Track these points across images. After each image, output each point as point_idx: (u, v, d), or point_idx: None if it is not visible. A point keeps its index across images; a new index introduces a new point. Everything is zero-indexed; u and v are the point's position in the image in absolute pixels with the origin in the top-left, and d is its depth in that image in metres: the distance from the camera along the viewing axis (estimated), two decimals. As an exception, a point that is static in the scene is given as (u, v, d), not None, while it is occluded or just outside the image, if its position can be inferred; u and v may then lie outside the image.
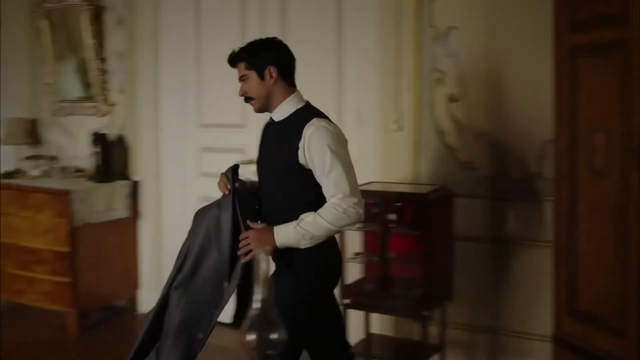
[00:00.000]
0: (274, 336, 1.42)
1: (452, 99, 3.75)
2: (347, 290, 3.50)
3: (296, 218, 2.50)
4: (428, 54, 3.80)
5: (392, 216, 3.39)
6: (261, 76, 2.62)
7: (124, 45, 5.03)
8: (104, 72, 5.15)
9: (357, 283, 3.60)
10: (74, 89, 5.45)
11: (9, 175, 5.20)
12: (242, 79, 2.67)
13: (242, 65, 2.65)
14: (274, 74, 2.62)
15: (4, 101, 5.80)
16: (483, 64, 3.68)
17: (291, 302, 2.42)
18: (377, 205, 3.41)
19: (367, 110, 4.02)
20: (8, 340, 4.54)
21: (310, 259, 2.56)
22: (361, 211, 2.52)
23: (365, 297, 3.48)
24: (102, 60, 5.14)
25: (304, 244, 2.50)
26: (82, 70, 5.34)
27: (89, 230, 4.64)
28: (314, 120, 2.55)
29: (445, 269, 3.55)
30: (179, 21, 4.81)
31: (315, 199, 2.54)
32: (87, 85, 5.34)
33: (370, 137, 4.01)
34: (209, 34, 4.69)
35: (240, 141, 4.57)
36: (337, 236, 2.77)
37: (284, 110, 2.66)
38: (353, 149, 4.00)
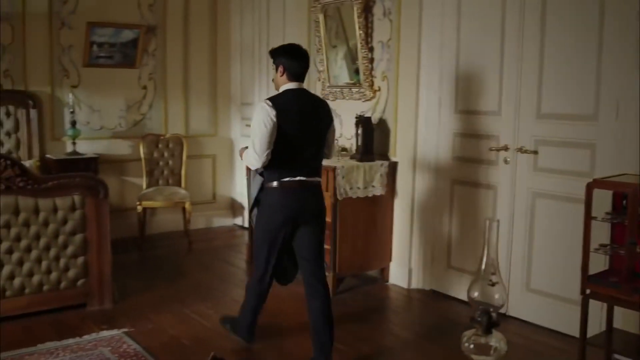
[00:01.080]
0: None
1: None
2: (590, 280, 3.51)
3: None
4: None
5: (643, 209, 3.31)
6: (276, 70, 3.86)
7: (389, 35, 5.41)
8: (370, 60, 5.59)
9: (601, 274, 3.57)
10: (343, 76, 5.99)
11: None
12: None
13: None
14: (281, 70, 3.82)
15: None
16: None
17: (257, 226, 3.90)
18: (626, 198, 3.36)
19: (626, 99, 3.90)
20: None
21: (265, 199, 3.82)
22: (253, 161, 3.70)
23: (608, 290, 3.45)
24: (369, 49, 5.58)
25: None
26: (350, 58, 5.86)
27: (349, 204, 5.11)
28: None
29: (702, 269, 3.37)
30: (440, 14, 5.04)
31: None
32: (354, 72, 5.84)
33: (630, 128, 3.88)
34: (468, 25, 4.87)
35: (494, 128, 4.70)
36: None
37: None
38: (609, 141, 3.95)
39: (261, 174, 3.86)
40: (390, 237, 5.46)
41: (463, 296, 4.85)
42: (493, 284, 1.61)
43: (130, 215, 6.84)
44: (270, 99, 3.76)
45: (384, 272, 5.52)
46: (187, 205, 6.65)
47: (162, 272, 5.83)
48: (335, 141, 5.58)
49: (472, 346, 1.66)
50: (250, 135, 3.74)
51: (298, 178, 3.75)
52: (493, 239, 1.62)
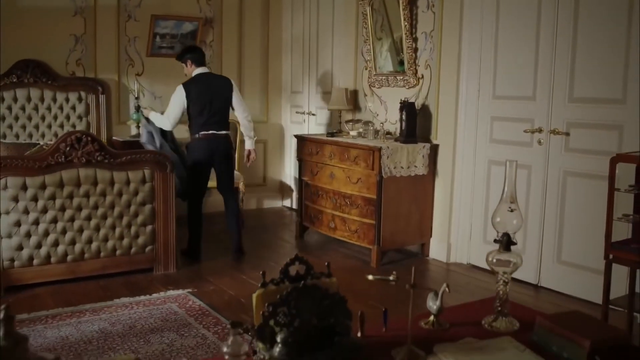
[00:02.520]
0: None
1: None
2: (613, 247, 3.86)
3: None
4: None
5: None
6: (185, 64, 5.76)
7: (432, 26, 5.80)
8: (414, 50, 5.98)
9: (624, 242, 3.92)
10: (388, 65, 6.40)
11: (332, 134, 6.33)
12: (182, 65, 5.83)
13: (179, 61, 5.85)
14: (189, 63, 5.73)
15: (334, 74, 7.01)
16: None
17: (189, 166, 5.78)
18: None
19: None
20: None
21: (192, 147, 5.73)
22: (167, 124, 5.77)
23: (629, 254, 3.79)
24: (413, 39, 5.97)
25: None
26: (395, 48, 6.26)
27: (392, 182, 5.52)
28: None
29: None
30: (480, 6, 5.41)
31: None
32: (398, 64, 6.24)
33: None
34: (506, 16, 5.23)
35: (529, 112, 5.06)
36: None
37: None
38: (635, 122, 4.27)
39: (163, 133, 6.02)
40: (431, 214, 5.86)
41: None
42: (512, 210, 2.01)
43: (187, 194, 7.35)
44: (184, 83, 5.64)
45: (425, 247, 5.91)
46: (240, 186, 7.12)
47: (218, 244, 6.32)
48: (381, 125, 6.02)
49: (495, 260, 2.07)
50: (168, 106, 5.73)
51: (211, 131, 5.64)
52: (512, 176, 2.03)
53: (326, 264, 1.88)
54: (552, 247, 4.91)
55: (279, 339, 1.68)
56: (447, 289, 2.13)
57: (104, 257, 5.09)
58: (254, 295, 1.79)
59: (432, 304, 2.13)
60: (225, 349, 1.61)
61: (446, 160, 5.74)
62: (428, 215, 5.84)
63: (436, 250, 5.85)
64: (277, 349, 1.69)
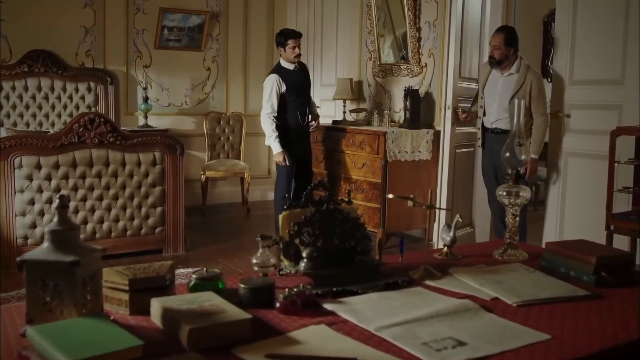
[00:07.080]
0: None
1: None
2: (614, 217, 3.98)
3: None
4: None
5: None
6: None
7: (435, 16, 5.93)
8: (418, 39, 6.11)
9: (624, 213, 4.05)
10: (392, 55, 6.53)
11: (337, 123, 6.45)
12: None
13: None
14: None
15: (338, 66, 7.16)
16: None
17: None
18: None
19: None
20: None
21: None
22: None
23: (630, 224, 3.91)
24: (417, 29, 6.11)
25: None
26: (399, 38, 6.40)
27: (397, 166, 5.63)
28: None
29: None
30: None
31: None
32: (401, 57, 6.37)
33: None
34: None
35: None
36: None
37: None
38: (634, 102, 4.38)
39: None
40: (434, 199, 5.95)
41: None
42: (520, 144, 2.14)
43: (194, 185, 7.46)
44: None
45: (427, 231, 5.99)
46: (246, 176, 7.27)
47: (225, 230, 6.44)
48: (386, 113, 6.14)
49: (504, 193, 2.19)
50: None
51: None
52: (520, 113, 2.15)
53: (347, 191, 2.00)
54: (554, 223, 5.03)
55: (304, 254, 1.80)
56: (459, 219, 2.24)
57: (114, 237, 5.19)
58: (281, 217, 1.90)
59: (446, 236, 2.25)
60: (254, 260, 1.73)
61: (449, 146, 5.84)
62: (431, 200, 5.93)
63: (439, 236, 5.95)
64: (302, 264, 1.80)
